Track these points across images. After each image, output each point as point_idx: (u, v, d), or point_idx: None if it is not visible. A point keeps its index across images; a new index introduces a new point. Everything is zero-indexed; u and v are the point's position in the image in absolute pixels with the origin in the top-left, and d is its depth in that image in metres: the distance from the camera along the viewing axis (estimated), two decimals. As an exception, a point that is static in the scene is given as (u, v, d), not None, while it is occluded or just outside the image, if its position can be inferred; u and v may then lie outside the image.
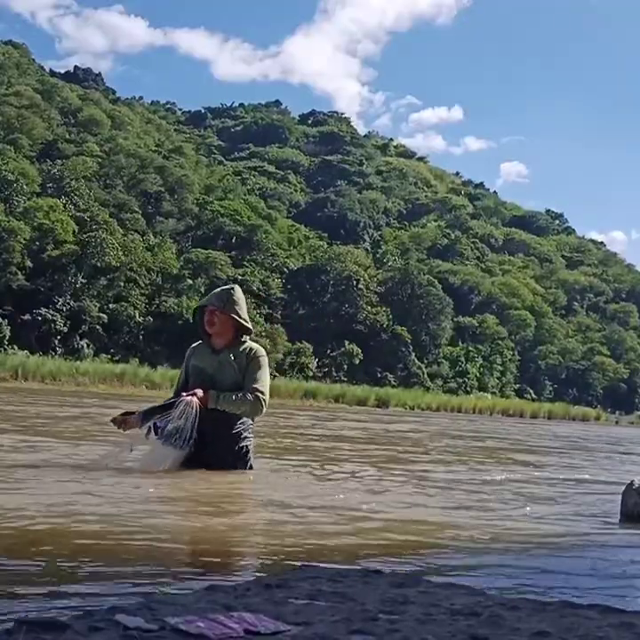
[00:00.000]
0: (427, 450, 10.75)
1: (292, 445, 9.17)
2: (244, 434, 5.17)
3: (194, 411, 4.89)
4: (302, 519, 3.88)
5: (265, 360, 5.27)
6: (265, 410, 5.14)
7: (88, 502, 3.86)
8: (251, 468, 5.24)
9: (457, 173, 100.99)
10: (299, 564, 2.72)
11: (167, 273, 48.44)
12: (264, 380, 5.17)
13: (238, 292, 5.39)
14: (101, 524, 3.46)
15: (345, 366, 51.68)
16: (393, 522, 4.01)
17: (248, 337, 5.34)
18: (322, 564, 2.69)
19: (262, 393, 5.11)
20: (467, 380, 57.76)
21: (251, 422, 5.22)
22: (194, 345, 5.46)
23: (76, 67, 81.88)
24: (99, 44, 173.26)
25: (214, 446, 4.99)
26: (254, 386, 5.11)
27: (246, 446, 5.20)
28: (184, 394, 5.01)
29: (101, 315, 43.72)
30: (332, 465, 6.86)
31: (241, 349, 5.22)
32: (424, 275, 59.20)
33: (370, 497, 4.96)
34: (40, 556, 2.84)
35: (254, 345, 5.34)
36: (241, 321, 5.25)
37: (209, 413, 4.94)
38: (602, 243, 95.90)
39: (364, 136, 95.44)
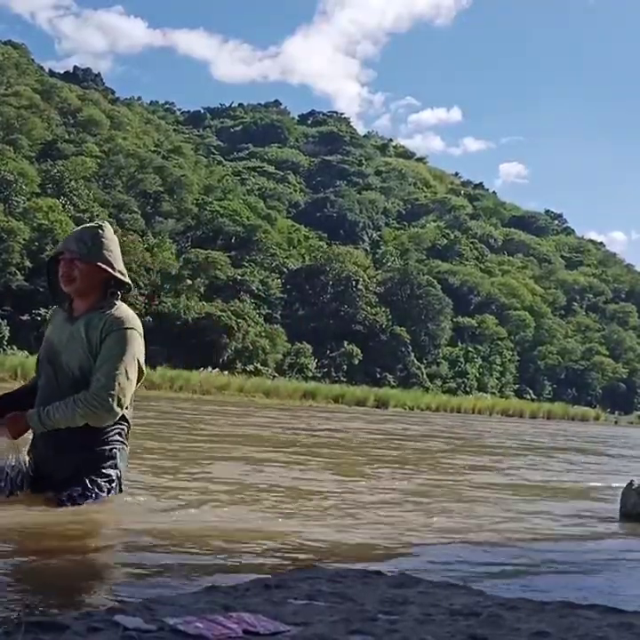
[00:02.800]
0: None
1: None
2: (105, 442, 3.65)
3: (7, 445, 3.60)
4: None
5: (127, 335, 3.64)
6: (117, 411, 3.56)
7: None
8: (117, 485, 3.70)
9: (456, 174, 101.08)
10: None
11: (166, 273, 48.42)
12: (117, 368, 3.56)
13: (108, 232, 3.77)
14: (95, 528, 3.47)
15: (344, 367, 51.63)
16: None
17: (121, 296, 3.78)
18: (321, 565, 2.69)
19: (107, 389, 3.52)
20: (466, 380, 57.74)
21: (120, 425, 3.70)
22: (57, 306, 3.93)
23: (75, 67, 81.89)
24: (98, 44, 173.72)
25: (58, 466, 3.59)
26: (99, 378, 3.54)
27: (108, 458, 3.66)
28: None
29: (100, 315, 43.74)
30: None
31: (100, 316, 3.62)
32: (423, 275, 59.21)
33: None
34: (39, 556, 2.84)
35: (120, 311, 3.69)
36: (114, 273, 3.69)
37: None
38: (601, 243, 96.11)
39: (364, 136, 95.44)
